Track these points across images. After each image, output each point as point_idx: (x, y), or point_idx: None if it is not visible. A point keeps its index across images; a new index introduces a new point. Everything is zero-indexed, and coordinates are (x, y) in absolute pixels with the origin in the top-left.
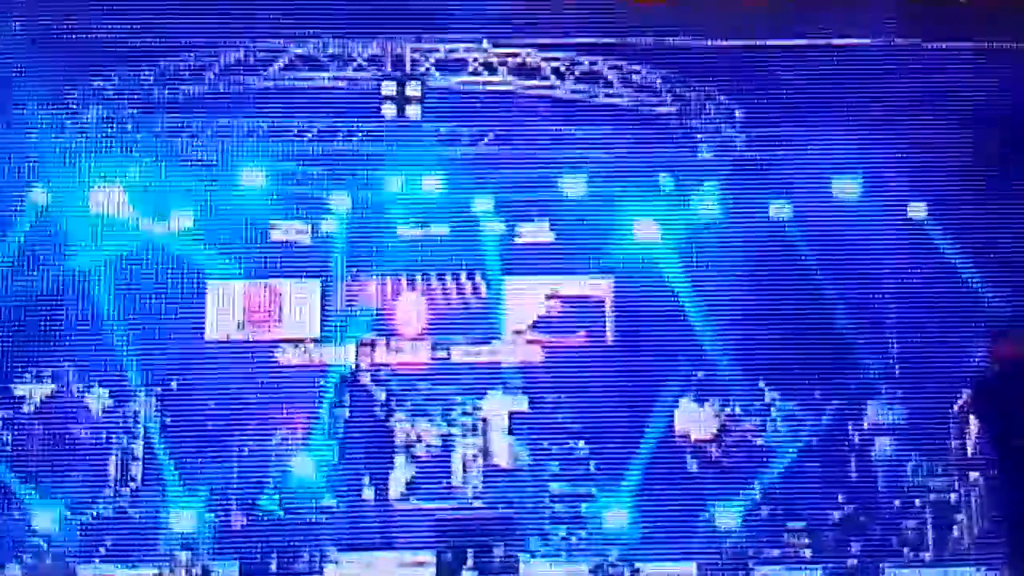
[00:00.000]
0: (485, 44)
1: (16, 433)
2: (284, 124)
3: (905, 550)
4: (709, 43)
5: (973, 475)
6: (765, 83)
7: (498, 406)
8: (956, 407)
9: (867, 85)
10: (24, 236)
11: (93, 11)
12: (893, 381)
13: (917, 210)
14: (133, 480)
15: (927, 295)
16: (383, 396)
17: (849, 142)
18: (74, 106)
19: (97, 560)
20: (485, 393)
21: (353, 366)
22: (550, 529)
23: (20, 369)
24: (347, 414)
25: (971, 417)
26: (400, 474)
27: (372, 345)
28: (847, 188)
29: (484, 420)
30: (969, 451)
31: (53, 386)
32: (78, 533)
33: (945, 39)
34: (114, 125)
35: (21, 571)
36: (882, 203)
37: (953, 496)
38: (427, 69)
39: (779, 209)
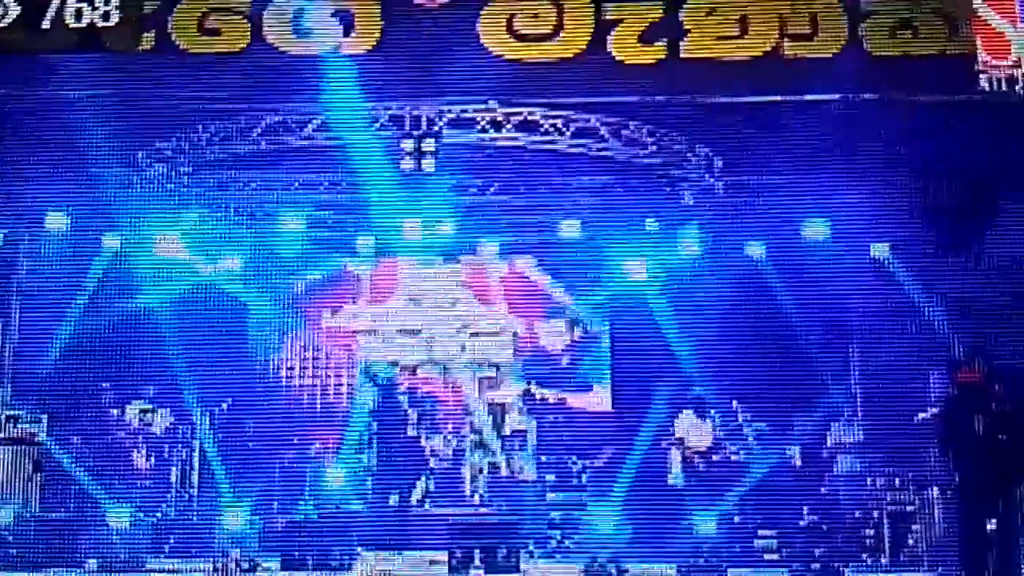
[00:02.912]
0: (492, 104)
1: (94, 448)
2: (317, 177)
3: (864, 555)
4: (692, 99)
5: (930, 489)
6: (742, 136)
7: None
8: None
9: (835, 137)
10: (99, 277)
11: (155, 83)
12: (855, 404)
13: (880, 250)
14: (192, 487)
15: (886, 326)
16: (415, 416)
17: (818, 189)
18: (140, 164)
19: (162, 555)
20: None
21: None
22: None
23: (97, 393)
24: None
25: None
26: (419, 484)
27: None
28: (816, 230)
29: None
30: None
31: (128, 406)
32: (147, 531)
33: (904, 94)
34: (173, 181)
35: (98, 565)
36: (848, 244)
37: (910, 507)
38: (440, 127)
39: (754, 249)
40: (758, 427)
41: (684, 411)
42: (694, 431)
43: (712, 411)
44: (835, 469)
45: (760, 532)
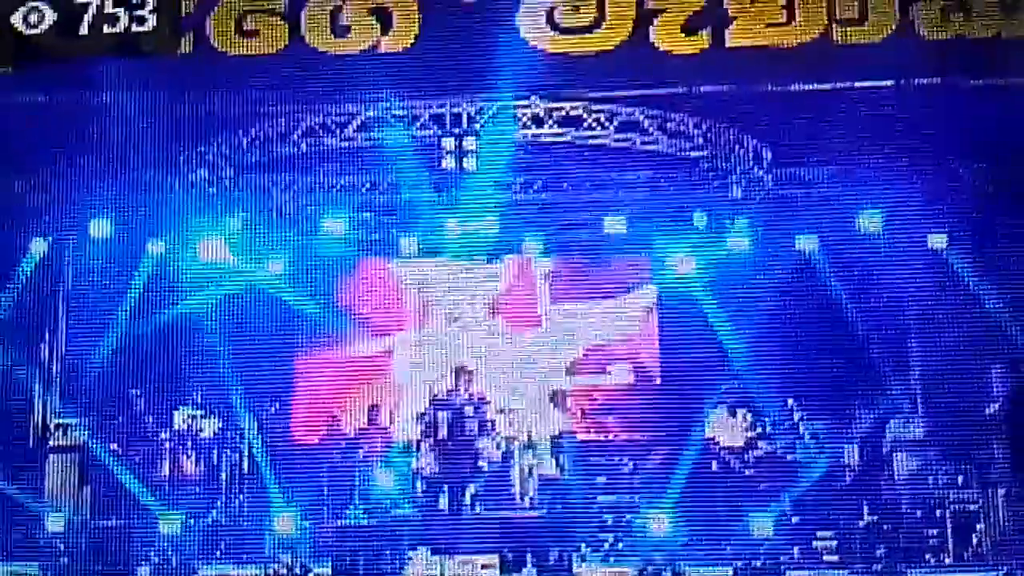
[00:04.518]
0: (534, 100)
1: (143, 454)
2: (359, 178)
3: (927, 555)
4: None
5: (994, 488)
6: (792, 126)
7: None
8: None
9: (887, 125)
10: (144, 283)
11: (194, 86)
12: (914, 400)
13: (938, 241)
14: (242, 492)
15: (946, 320)
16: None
17: (871, 178)
18: (183, 169)
19: (214, 561)
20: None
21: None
22: (600, 536)
23: (144, 399)
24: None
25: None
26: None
27: (469, 373)
28: (870, 222)
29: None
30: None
31: (176, 411)
32: (198, 537)
33: (959, 78)
34: (215, 185)
35: (150, 571)
36: (904, 235)
37: (973, 506)
38: (482, 124)
39: (806, 242)
40: (814, 425)
41: (714, 409)
42: (726, 429)
43: (744, 410)
44: (895, 467)
45: (819, 533)
